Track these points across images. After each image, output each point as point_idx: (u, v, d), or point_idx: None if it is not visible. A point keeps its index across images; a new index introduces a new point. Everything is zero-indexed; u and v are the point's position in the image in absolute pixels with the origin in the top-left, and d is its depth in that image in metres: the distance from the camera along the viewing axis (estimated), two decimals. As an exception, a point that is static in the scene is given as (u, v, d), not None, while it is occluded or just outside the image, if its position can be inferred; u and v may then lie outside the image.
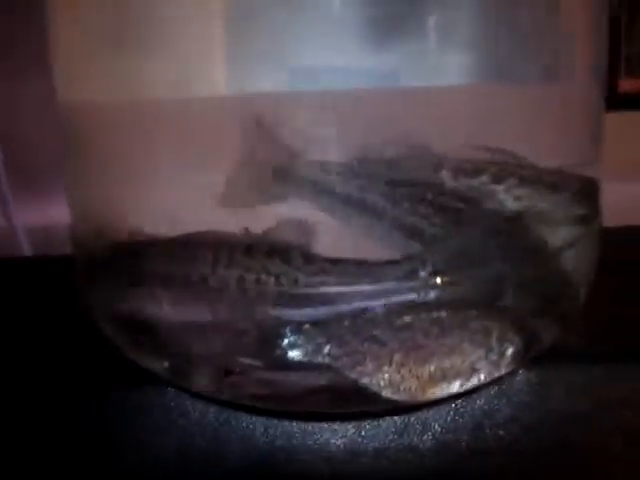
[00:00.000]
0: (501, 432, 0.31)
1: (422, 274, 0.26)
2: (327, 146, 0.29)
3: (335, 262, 0.26)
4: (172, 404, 0.30)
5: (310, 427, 0.30)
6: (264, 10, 0.29)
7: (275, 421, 0.30)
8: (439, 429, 0.31)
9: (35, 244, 0.52)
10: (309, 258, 0.26)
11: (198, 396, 0.29)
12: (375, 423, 0.30)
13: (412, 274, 0.26)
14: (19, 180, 0.51)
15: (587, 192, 0.32)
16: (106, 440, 0.31)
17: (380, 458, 0.30)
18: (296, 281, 0.26)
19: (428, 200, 0.28)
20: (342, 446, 0.30)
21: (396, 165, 0.29)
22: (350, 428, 0.30)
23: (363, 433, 0.30)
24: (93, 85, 0.32)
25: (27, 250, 0.52)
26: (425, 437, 0.30)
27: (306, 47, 0.29)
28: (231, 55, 0.31)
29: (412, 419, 0.30)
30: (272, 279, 0.26)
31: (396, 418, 0.30)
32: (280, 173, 0.29)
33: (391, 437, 0.30)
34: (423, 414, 0.30)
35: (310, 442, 0.30)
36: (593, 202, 0.32)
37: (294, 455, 0.30)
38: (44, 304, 0.40)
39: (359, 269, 0.26)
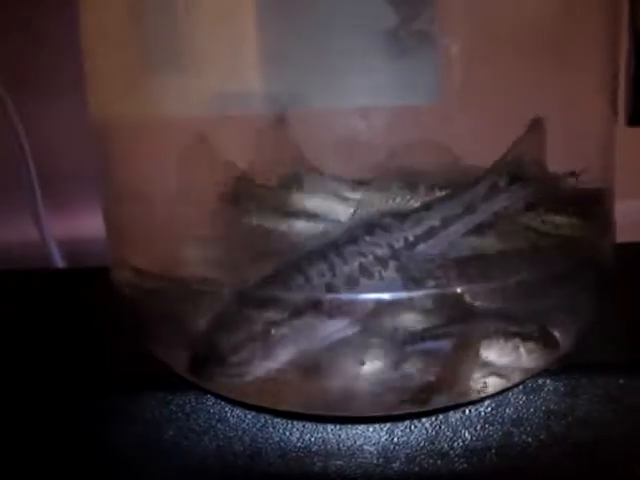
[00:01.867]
0: (530, 439, 0.31)
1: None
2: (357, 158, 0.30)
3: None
4: (211, 410, 0.31)
5: (344, 433, 0.31)
6: (297, 28, 0.30)
7: (311, 427, 0.30)
8: (469, 436, 0.31)
9: (67, 256, 0.53)
10: (402, 215, 0.28)
11: (236, 402, 0.30)
12: (407, 430, 0.31)
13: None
14: (51, 194, 0.53)
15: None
16: (146, 444, 0.32)
17: (411, 464, 0.31)
18: (406, 239, 0.28)
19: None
20: (375, 452, 0.31)
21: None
22: (383, 434, 0.31)
23: (395, 440, 0.31)
24: (124, 102, 0.33)
25: (59, 262, 0.53)
26: (455, 444, 0.31)
27: (342, 67, 0.30)
28: (265, 73, 0.32)
29: (442, 426, 0.31)
30: (387, 250, 0.27)
31: (427, 425, 0.31)
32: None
33: (422, 444, 0.31)
34: (454, 421, 0.31)
35: (344, 448, 0.31)
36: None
37: (329, 460, 0.31)
38: (78, 313, 0.42)
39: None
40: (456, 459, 0.31)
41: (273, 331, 0.26)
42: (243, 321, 0.26)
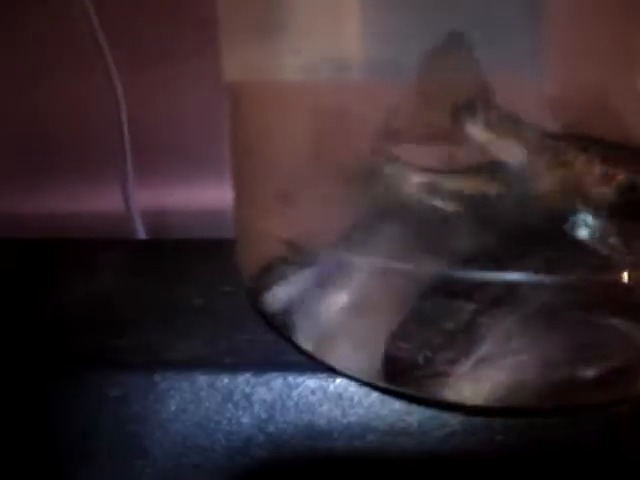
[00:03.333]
0: None
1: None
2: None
3: None
4: (344, 395, 0.29)
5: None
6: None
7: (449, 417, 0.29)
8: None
9: (149, 227, 0.52)
10: None
11: (371, 385, 0.29)
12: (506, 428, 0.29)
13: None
14: (141, 162, 0.51)
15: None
16: (267, 428, 0.30)
17: (512, 460, 0.29)
18: None
19: None
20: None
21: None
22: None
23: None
24: (252, 67, 0.32)
25: (141, 234, 0.52)
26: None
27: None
28: (367, 39, 0.30)
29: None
30: None
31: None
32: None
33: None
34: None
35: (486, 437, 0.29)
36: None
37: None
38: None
39: None
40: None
41: (482, 320, 0.23)
42: (450, 311, 0.24)
